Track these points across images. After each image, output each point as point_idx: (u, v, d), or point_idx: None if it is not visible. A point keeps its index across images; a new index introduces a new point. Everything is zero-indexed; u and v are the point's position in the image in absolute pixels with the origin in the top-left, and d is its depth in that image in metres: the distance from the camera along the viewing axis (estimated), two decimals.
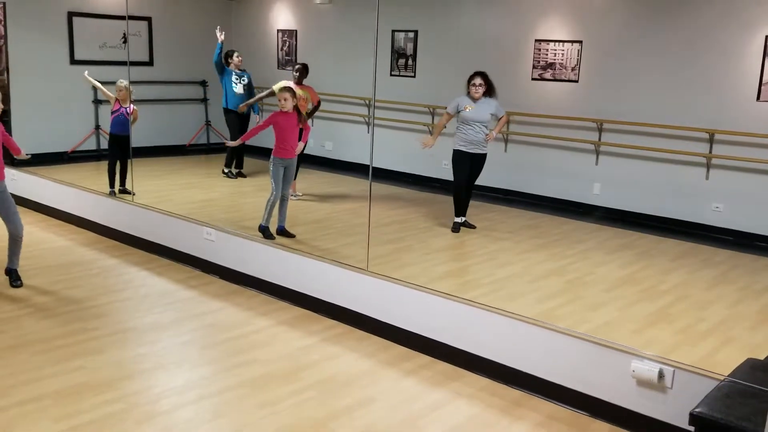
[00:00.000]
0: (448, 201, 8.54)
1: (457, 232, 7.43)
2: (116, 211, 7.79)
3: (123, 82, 8.12)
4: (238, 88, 9.80)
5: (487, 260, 6.49)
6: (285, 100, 6.72)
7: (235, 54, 9.93)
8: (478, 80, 7.29)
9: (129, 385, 4.42)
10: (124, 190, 8.27)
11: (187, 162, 11.35)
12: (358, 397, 4.41)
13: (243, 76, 9.90)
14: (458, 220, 7.53)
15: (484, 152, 7.44)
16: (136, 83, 9.94)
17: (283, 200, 6.91)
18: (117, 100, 8.13)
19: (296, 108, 6.86)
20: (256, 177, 9.95)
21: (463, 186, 7.51)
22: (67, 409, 4.06)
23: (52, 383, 4.38)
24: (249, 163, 10.42)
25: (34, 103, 10.56)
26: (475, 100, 7.30)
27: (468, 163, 7.42)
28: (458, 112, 7.35)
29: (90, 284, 6.29)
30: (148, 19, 11.65)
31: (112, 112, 8.16)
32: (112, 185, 8.23)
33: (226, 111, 9.91)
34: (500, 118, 7.49)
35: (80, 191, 8.30)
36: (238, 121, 9.83)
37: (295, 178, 7.68)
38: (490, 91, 7.38)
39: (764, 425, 3.09)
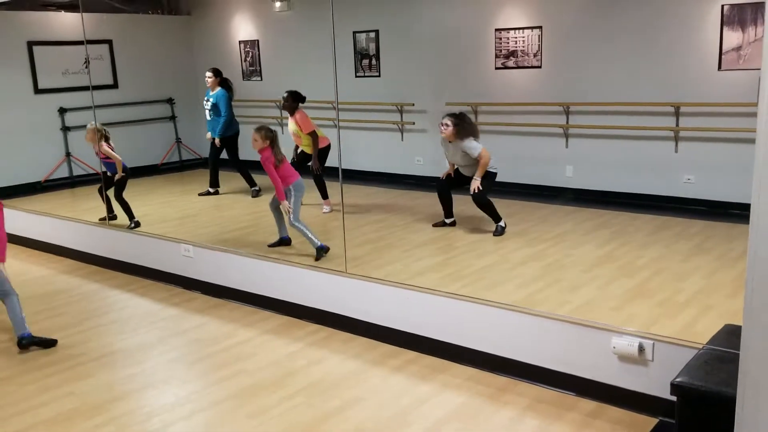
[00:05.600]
0: (423, 197, 8.61)
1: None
2: (93, 236, 7.77)
3: (91, 124, 7.74)
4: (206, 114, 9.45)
5: (466, 252, 6.53)
6: (254, 140, 6.37)
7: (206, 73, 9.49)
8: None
9: (119, 406, 4.43)
10: (113, 217, 7.99)
11: (161, 181, 11.31)
12: (346, 398, 4.45)
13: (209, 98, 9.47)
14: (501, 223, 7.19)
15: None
16: (102, 107, 9.90)
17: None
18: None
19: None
20: (233, 192, 9.92)
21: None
22: None
23: (43, 412, 4.38)
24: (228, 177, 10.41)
25: (1, 135, 10.51)
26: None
27: None
28: None
29: (73, 310, 6.28)
30: (109, 42, 11.60)
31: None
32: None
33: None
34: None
35: (55, 219, 8.27)
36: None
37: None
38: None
39: None
